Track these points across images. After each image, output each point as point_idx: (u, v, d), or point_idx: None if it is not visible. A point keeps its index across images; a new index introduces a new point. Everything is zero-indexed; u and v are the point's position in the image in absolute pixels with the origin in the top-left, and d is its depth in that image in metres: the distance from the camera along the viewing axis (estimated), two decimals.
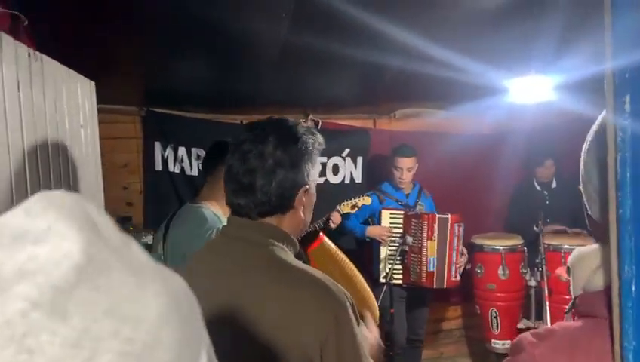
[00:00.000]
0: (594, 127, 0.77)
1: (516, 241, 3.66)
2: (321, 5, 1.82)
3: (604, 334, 0.67)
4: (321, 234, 1.36)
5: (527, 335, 0.74)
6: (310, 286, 1.01)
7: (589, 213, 0.78)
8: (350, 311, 1.02)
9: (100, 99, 3.55)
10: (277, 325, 0.98)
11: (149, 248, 2.13)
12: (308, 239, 1.36)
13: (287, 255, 1.07)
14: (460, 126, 3.94)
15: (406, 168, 3.34)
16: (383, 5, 1.94)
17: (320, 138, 1.15)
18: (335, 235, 3.42)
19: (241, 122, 3.78)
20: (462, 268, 3.32)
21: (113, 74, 3.18)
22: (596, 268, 0.73)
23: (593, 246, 0.76)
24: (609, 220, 0.55)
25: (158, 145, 3.63)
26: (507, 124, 3.95)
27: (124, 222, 3.12)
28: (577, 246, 2.91)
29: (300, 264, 1.06)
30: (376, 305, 1.48)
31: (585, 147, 0.79)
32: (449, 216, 3.26)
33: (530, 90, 2.81)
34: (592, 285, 0.73)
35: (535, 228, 3.45)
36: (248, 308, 1.00)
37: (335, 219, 3.27)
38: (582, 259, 0.76)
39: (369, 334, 1.28)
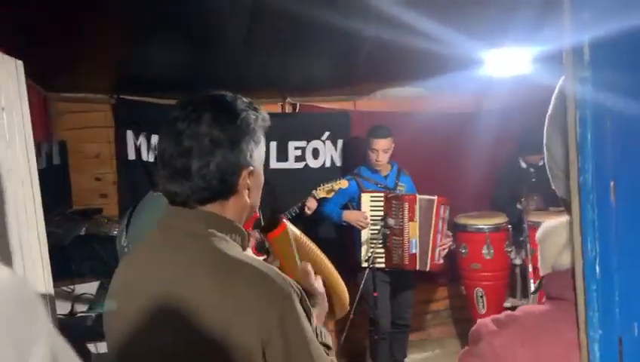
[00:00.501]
0: (554, 95, 0.69)
1: (500, 220, 3.62)
2: None
3: (571, 320, 0.60)
4: (283, 220, 1.27)
5: (486, 321, 0.66)
6: (249, 278, 0.91)
7: (555, 190, 0.70)
8: (297, 303, 0.93)
9: (69, 88, 3.50)
10: (213, 323, 0.89)
11: None
12: (270, 226, 1.26)
13: (229, 245, 0.97)
14: (441, 104, 3.86)
15: (382, 150, 3.26)
16: None
17: (264, 115, 1.04)
18: (312, 222, 3.35)
19: None
20: (446, 250, 3.27)
21: (82, 62, 3.06)
22: (565, 244, 0.66)
23: (562, 220, 0.68)
24: (570, 189, 0.47)
25: (130, 134, 3.51)
26: (487, 100, 3.88)
27: (94, 214, 3.01)
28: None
29: (241, 255, 0.96)
30: (346, 293, 1.40)
31: (546, 120, 0.71)
32: (435, 197, 3.20)
33: (507, 62, 2.73)
34: (560, 263, 0.66)
35: (518, 206, 3.41)
36: (182, 305, 0.91)
37: (311, 205, 3.20)
38: (549, 235, 0.68)
39: (319, 295, 1.17)
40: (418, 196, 3.20)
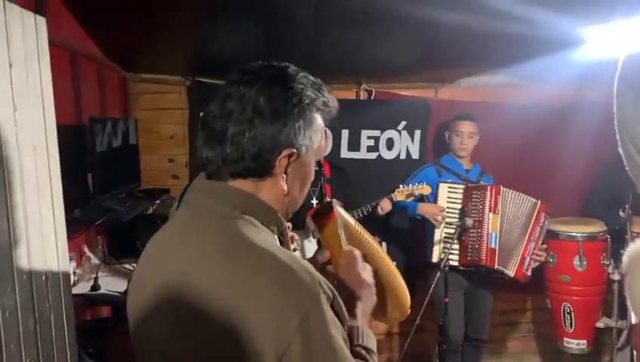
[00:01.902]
0: (619, 72, 0.46)
1: (597, 228, 3.18)
2: None
3: None
4: (335, 206, 1.10)
5: None
6: (270, 271, 0.77)
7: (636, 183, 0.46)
8: (326, 307, 0.77)
9: (147, 69, 3.56)
10: (219, 322, 0.75)
11: None
12: (320, 213, 1.10)
13: (258, 231, 0.83)
14: (533, 95, 3.46)
15: (467, 132, 3.04)
16: None
17: (330, 99, 0.91)
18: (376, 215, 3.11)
19: None
20: (537, 263, 2.94)
21: (159, 43, 3.09)
22: None
23: None
24: None
25: None
26: (587, 90, 3.41)
27: (161, 194, 3.02)
28: None
29: (267, 243, 0.81)
30: (406, 294, 1.21)
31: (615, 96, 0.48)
32: (539, 202, 2.91)
33: (614, 41, 2.30)
34: None
35: (621, 213, 2.96)
36: (191, 297, 0.78)
37: (385, 206, 2.97)
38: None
39: (366, 287, 1.01)
40: (503, 187, 2.90)
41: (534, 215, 2.87)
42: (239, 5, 2.56)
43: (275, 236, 0.91)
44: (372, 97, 3.62)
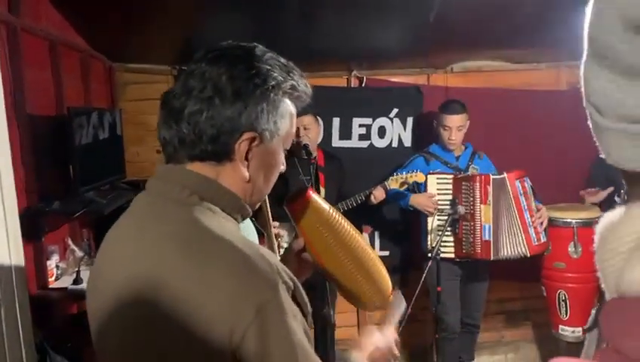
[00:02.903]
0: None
1: (592, 214, 3.12)
2: None
3: None
4: (308, 190, 1.05)
5: None
6: (226, 260, 0.73)
7: (605, 158, 0.42)
8: (284, 297, 0.72)
9: (133, 59, 3.49)
10: (175, 315, 0.71)
11: None
12: (293, 197, 1.05)
13: (215, 218, 0.79)
14: (529, 79, 3.40)
15: (456, 127, 2.91)
16: None
17: (300, 83, 0.85)
18: (373, 205, 3.06)
19: None
20: (544, 225, 2.88)
21: (145, 32, 3.02)
22: (634, 248, 0.38)
23: (630, 207, 0.41)
24: None
25: None
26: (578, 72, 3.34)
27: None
28: None
29: (224, 231, 0.77)
30: (387, 282, 1.17)
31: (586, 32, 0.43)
32: (505, 174, 2.82)
33: None
34: (625, 283, 0.38)
35: (617, 199, 2.91)
36: (148, 290, 0.74)
37: (378, 195, 2.91)
38: (610, 231, 0.40)
39: (379, 341, 1.01)
40: (492, 176, 2.83)
41: (508, 188, 2.81)
42: None
43: (250, 225, 0.87)
44: (363, 85, 3.56)
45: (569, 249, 3.09)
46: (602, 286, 0.42)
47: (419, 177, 2.88)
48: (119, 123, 3.11)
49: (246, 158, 0.81)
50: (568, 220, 3.13)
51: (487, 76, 3.58)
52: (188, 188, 0.80)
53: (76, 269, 2.25)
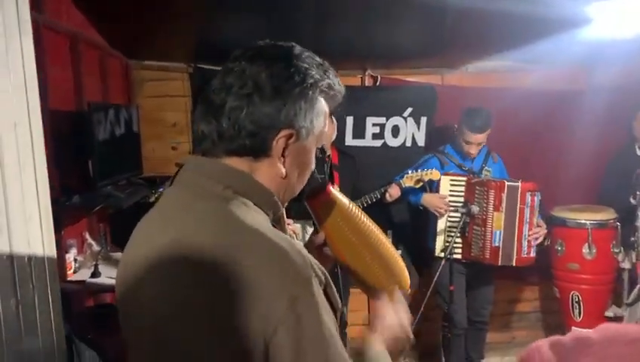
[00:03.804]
0: None
1: (607, 215, 3.11)
2: None
3: None
4: (328, 185, 1.06)
5: (542, 347, 0.41)
6: (261, 253, 0.73)
7: None
8: (317, 291, 0.73)
9: (150, 56, 3.54)
10: (210, 305, 0.72)
11: None
12: (313, 193, 1.06)
13: (249, 211, 0.79)
14: (541, 79, 3.38)
15: (477, 143, 2.91)
16: None
17: (335, 82, 0.87)
18: (384, 204, 3.06)
19: None
20: (538, 241, 2.86)
21: (161, 30, 3.06)
22: None
23: None
24: None
25: None
26: (597, 73, 3.32)
27: (163, 182, 3.00)
28: None
29: (259, 225, 0.78)
30: (407, 277, 1.17)
31: None
32: (519, 183, 2.80)
33: (623, 19, 2.22)
34: None
35: (632, 200, 2.89)
36: (172, 277, 0.75)
37: (393, 193, 2.91)
38: None
39: (393, 319, 0.99)
40: (507, 183, 2.81)
41: (518, 196, 2.79)
42: None
43: (265, 216, 0.88)
44: (377, 83, 3.57)
45: (583, 250, 3.08)
46: None
47: (434, 175, 2.89)
48: (136, 119, 3.15)
49: (282, 155, 0.83)
50: (582, 221, 3.12)
51: (502, 76, 3.57)
52: (222, 182, 0.81)
53: (94, 263, 2.29)
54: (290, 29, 3.00)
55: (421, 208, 2.99)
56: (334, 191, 1.09)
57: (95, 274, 2.23)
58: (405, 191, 2.97)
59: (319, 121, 0.85)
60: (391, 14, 2.79)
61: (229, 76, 0.81)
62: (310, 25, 2.95)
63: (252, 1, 2.72)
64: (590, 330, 0.41)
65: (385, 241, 1.15)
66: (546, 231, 2.92)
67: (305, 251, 0.78)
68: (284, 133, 0.81)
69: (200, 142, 0.85)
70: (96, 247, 2.49)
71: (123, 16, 2.84)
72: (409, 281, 1.18)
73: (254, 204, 0.82)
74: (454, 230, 2.83)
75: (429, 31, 2.98)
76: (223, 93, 0.81)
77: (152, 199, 2.90)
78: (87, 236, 2.51)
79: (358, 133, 3.52)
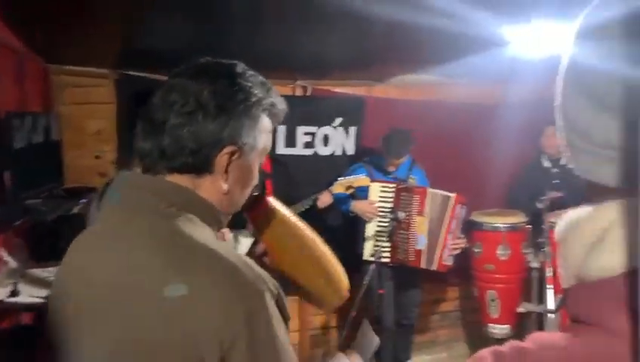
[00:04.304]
0: (569, 53, 0.52)
1: (518, 219, 3.38)
2: None
3: (608, 357, 0.41)
4: (266, 196, 1.09)
5: (485, 357, 0.47)
6: (214, 269, 0.75)
7: (576, 171, 0.52)
8: (270, 303, 0.76)
9: (72, 61, 3.37)
10: (165, 326, 0.73)
11: None
12: (251, 204, 1.08)
13: (197, 228, 0.81)
14: (460, 94, 3.63)
15: (398, 164, 3.12)
16: None
17: (278, 100, 0.89)
18: (316, 212, 3.15)
19: None
20: (457, 251, 3.07)
21: (85, 33, 2.93)
22: (597, 241, 0.47)
23: (590, 210, 0.49)
24: None
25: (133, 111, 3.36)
26: (513, 89, 3.62)
27: (87, 193, 2.88)
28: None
29: (208, 241, 0.79)
30: (346, 283, 1.22)
31: (561, 79, 0.53)
32: (453, 195, 3.01)
33: (536, 41, 2.46)
34: (588, 271, 0.47)
35: (539, 205, 3.18)
36: (125, 298, 0.76)
37: (325, 200, 3.01)
38: (575, 230, 0.49)
39: None
40: (429, 190, 3.01)
41: (449, 208, 3.00)
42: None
43: (210, 231, 0.89)
44: (307, 93, 3.65)
45: (498, 251, 3.32)
46: (560, 272, 0.51)
47: (364, 181, 3.02)
48: (56, 127, 2.99)
49: (225, 171, 0.84)
50: (497, 225, 3.37)
51: (426, 89, 3.78)
52: (166, 199, 0.81)
53: (12, 281, 2.16)
54: (222, 37, 3.00)
55: (351, 215, 3.10)
56: (273, 201, 1.12)
57: (15, 292, 2.09)
58: (336, 199, 3.07)
59: (262, 137, 0.87)
60: (320, 27, 2.87)
61: (171, 93, 0.82)
62: (241, 33, 2.96)
63: (181, 7, 2.69)
64: (527, 339, 0.48)
65: (324, 248, 1.19)
66: (465, 243, 3.13)
67: (256, 265, 0.80)
68: (227, 149, 0.82)
69: (142, 159, 0.85)
70: (13, 264, 2.33)
71: (41, 16, 2.69)
72: (348, 286, 1.24)
73: (201, 221, 0.83)
74: (383, 235, 2.97)
75: (357, 44, 3.10)
76: (164, 110, 0.81)
77: (76, 210, 2.77)
78: (3, 253, 2.35)
79: (290, 141, 3.58)
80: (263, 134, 0.88)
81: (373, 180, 3.08)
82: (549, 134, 3.45)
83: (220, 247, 0.79)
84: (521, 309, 3.43)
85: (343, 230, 3.52)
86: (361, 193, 3.12)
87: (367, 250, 3.08)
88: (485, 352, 0.48)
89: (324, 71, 3.61)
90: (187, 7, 2.68)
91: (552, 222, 3.12)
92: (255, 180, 0.92)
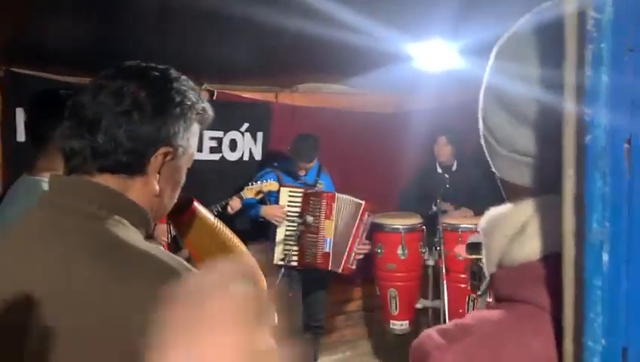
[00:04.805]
0: (493, 56, 0.61)
1: (415, 220, 3.64)
2: None
3: (536, 326, 0.49)
4: (194, 202, 1.09)
5: (432, 334, 0.54)
6: (151, 273, 0.74)
7: (496, 173, 0.61)
8: None
9: None
10: (98, 329, 0.71)
11: None
12: (178, 210, 1.08)
13: (128, 231, 0.80)
14: (363, 102, 3.83)
15: (307, 168, 3.20)
16: None
17: (207, 106, 0.92)
18: (226, 216, 3.13)
19: None
20: (361, 256, 3.22)
21: None
22: (515, 234, 0.55)
23: (510, 206, 0.58)
24: (563, 150, 0.36)
25: (20, 113, 3.08)
26: (412, 100, 3.90)
27: None
28: (474, 224, 2.85)
29: (142, 244, 0.79)
30: (264, 284, 1.25)
31: (482, 88, 0.62)
32: (363, 203, 3.15)
33: (435, 56, 2.71)
34: (511, 258, 0.55)
35: (433, 207, 3.45)
36: (62, 308, 0.72)
37: (235, 205, 3.01)
38: (497, 223, 0.58)
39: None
40: (337, 194, 3.13)
41: (359, 214, 3.15)
42: None
43: (140, 234, 0.88)
44: (214, 98, 3.61)
45: (398, 251, 3.54)
46: (483, 262, 0.59)
47: (273, 186, 3.06)
48: None
49: (158, 172, 0.84)
50: (397, 226, 3.59)
51: (331, 97, 3.92)
52: (96, 202, 0.79)
53: None
54: (120, 37, 2.87)
55: (261, 220, 3.12)
56: (200, 207, 1.13)
57: None
58: (245, 204, 3.07)
59: (193, 141, 0.90)
60: (229, 32, 2.87)
61: (102, 92, 0.81)
62: (147, 34, 2.86)
63: (82, 5, 2.54)
64: (465, 317, 0.56)
65: (248, 254, 1.22)
66: (369, 248, 3.30)
67: (189, 265, 0.81)
68: (162, 150, 0.83)
69: (68, 159, 0.83)
70: None
71: None
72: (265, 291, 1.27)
73: (130, 224, 0.82)
74: (292, 239, 3.03)
75: (265, 52, 3.14)
76: (97, 108, 0.80)
77: None
78: None
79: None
80: (195, 138, 0.90)
81: (282, 185, 3.13)
82: (441, 143, 3.75)
83: (155, 250, 0.79)
84: (418, 305, 3.68)
85: (251, 235, 3.53)
86: (271, 197, 3.16)
87: (277, 255, 3.12)
88: (430, 330, 0.55)
89: (231, 76, 3.60)
90: (88, 6, 2.54)
91: (446, 223, 3.40)
92: (182, 183, 0.93)
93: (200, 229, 1.11)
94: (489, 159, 0.62)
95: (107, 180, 0.81)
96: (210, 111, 0.93)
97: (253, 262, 1.23)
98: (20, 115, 3.09)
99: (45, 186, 1.39)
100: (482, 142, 0.61)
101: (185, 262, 0.80)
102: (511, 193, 0.60)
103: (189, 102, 0.86)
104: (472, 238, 1.88)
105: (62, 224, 0.79)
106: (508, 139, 0.57)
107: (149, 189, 0.84)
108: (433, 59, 2.79)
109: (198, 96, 0.89)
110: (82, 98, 0.82)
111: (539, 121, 0.53)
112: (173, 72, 0.88)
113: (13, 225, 0.87)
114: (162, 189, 0.86)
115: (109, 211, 0.79)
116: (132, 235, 0.79)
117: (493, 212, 0.59)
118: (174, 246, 1.22)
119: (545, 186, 0.54)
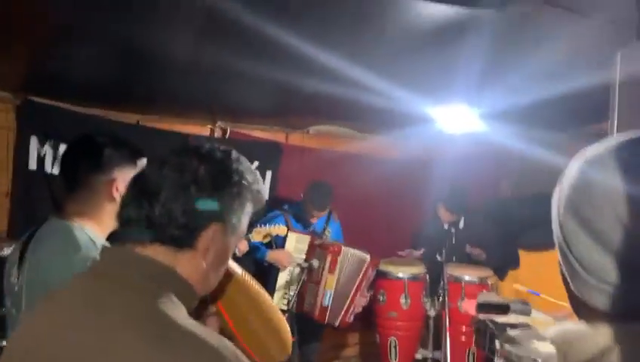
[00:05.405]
0: (570, 180, 0.62)
1: (419, 269, 3.63)
2: (234, 22, 1.61)
3: None
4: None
5: None
6: (198, 356, 0.74)
7: (570, 286, 0.62)
8: None
9: None
10: None
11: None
12: None
13: (177, 309, 0.79)
14: (373, 147, 3.87)
15: (319, 216, 3.18)
16: (302, 26, 1.76)
17: (262, 188, 0.94)
18: (235, 255, 3.12)
19: (137, 122, 3.37)
20: (359, 310, 3.17)
21: None
22: (595, 358, 0.55)
23: (585, 326, 0.59)
24: None
25: (34, 141, 3.10)
26: (426, 153, 3.94)
27: None
28: (478, 277, 2.85)
29: (192, 325, 0.78)
30: (290, 339, 1.22)
31: (558, 204, 0.63)
32: (368, 257, 3.09)
33: (456, 119, 2.77)
34: None
35: (438, 257, 3.43)
36: None
37: (242, 248, 2.97)
38: (577, 341, 0.58)
39: None
40: (343, 248, 3.06)
41: (363, 270, 3.08)
42: (100, 30, 2.38)
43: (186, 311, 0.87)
44: (226, 136, 3.65)
45: (401, 300, 3.51)
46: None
47: (281, 230, 3.03)
48: None
49: (207, 248, 0.85)
50: (400, 275, 3.57)
51: (337, 140, 3.97)
52: (147, 276, 0.80)
53: None
54: (140, 75, 2.91)
55: (265, 264, 3.10)
56: (231, 263, 1.11)
57: None
58: (252, 246, 3.06)
59: (244, 220, 0.90)
60: (242, 82, 2.90)
61: (166, 167, 0.84)
62: (161, 72, 2.90)
63: (98, 38, 2.58)
64: None
65: (275, 307, 1.20)
66: (367, 300, 3.23)
67: (240, 352, 0.79)
68: (214, 226, 0.84)
69: (123, 226, 0.85)
70: None
71: None
72: (291, 343, 1.24)
73: (178, 299, 0.82)
74: (294, 284, 3.00)
75: (280, 101, 3.17)
76: (158, 181, 0.82)
77: None
78: None
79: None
80: (246, 218, 0.91)
81: (290, 230, 3.12)
82: (441, 209, 3.73)
83: (203, 331, 0.78)
84: (418, 355, 3.63)
85: (256, 278, 3.50)
86: (277, 240, 3.14)
87: (276, 300, 3.08)
88: None
89: (243, 115, 3.65)
90: (106, 40, 2.58)
91: (449, 275, 3.39)
92: (227, 264, 0.93)
93: (231, 287, 1.09)
94: (568, 279, 0.62)
95: (157, 251, 0.82)
96: (264, 195, 0.95)
97: (280, 314, 1.21)
98: (34, 144, 3.10)
99: (76, 233, 1.40)
100: (559, 256, 0.62)
101: (229, 343, 0.79)
102: (587, 313, 0.60)
103: (245, 183, 0.88)
104: (482, 297, 1.89)
105: (108, 296, 0.79)
106: (596, 270, 0.57)
107: (195, 265, 0.85)
108: (454, 122, 2.86)
109: (255, 178, 0.91)
110: (147, 169, 0.86)
111: (626, 250, 0.54)
112: (234, 153, 0.90)
113: (59, 288, 0.87)
114: (209, 266, 0.86)
115: (159, 285, 0.80)
116: (180, 314, 0.79)
117: (568, 327, 0.60)
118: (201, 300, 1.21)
119: (626, 314, 0.55)
